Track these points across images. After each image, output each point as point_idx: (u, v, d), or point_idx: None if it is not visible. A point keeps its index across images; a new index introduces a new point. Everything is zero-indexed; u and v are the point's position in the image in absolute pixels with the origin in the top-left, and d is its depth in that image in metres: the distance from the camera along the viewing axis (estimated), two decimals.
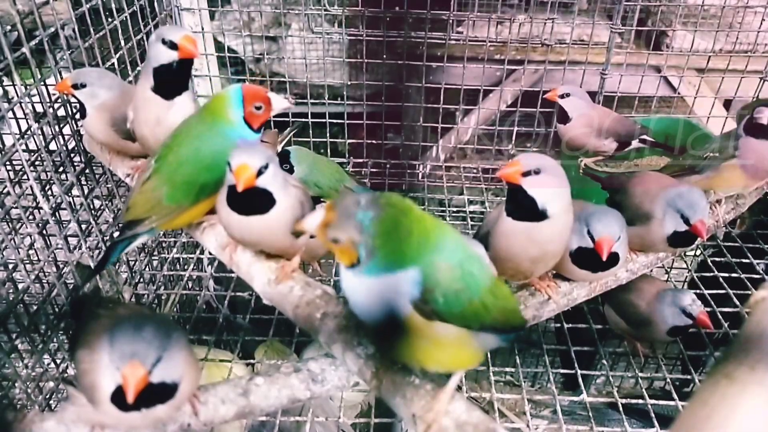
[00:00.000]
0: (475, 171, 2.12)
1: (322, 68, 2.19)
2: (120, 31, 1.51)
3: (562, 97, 1.62)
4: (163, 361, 0.74)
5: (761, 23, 1.87)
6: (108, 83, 1.26)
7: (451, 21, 1.89)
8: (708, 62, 1.90)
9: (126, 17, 1.55)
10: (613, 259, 1.14)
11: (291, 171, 1.52)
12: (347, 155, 2.07)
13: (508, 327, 0.82)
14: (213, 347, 1.45)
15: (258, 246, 1.03)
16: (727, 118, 1.99)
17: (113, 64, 1.50)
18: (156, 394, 0.77)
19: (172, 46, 1.10)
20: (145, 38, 1.65)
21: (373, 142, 2.06)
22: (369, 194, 0.73)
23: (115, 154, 1.35)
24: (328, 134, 1.99)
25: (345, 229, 0.70)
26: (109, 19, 1.48)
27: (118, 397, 0.75)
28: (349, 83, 1.96)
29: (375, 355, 0.84)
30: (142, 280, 1.66)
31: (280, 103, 1.08)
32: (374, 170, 2.05)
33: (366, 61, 1.92)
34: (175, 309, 1.72)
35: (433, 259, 0.72)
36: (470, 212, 1.90)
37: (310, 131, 1.99)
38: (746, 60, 1.86)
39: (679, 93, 2.18)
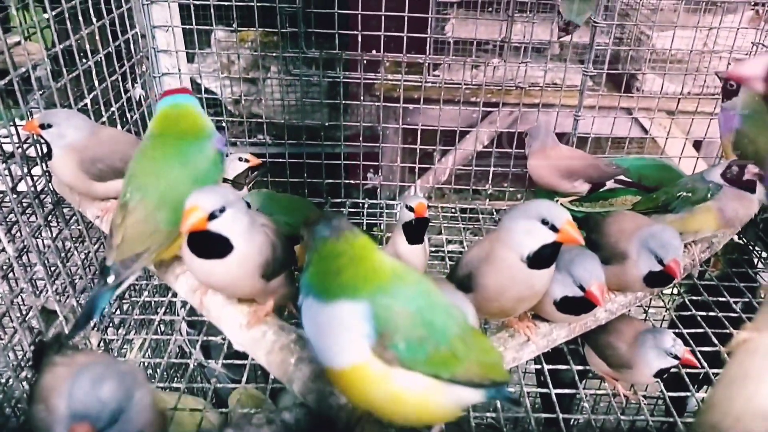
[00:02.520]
0: (453, 211, 2.12)
1: (300, 110, 2.20)
2: (94, 72, 1.50)
3: (526, 135, 1.66)
4: (120, 421, 0.70)
5: (727, 67, 1.93)
6: (76, 124, 1.24)
7: (426, 64, 1.91)
8: (678, 104, 1.95)
9: (101, 58, 1.54)
10: None
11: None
12: (325, 195, 2.06)
13: (488, 381, 0.78)
14: (186, 394, 1.39)
15: (224, 291, 1.00)
16: (698, 158, 2.03)
17: (86, 104, 1.48)
18: None
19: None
20: (120, 79, 1.64)
21: (351, 182, 2.05)
22: (343, 221, 0.72)
23: (84, 196, 1.31)
24: (305, 174, 1.98)
25: (309, 232, 0.74)
26: (84, 60, 1.47)
27: None
28: (326, 124, 1.96)
29: (347, 406, 0.81)
30: (111, 324, 1.61)
31: None
32: (352, 210, 2.03)
33: (343, 102, 1.93)
34: (145, 354, 1.66)
35: (387, 302, 0.70)
36: (448, 252, 1.89)
37: (287, 172, 1.98)
38: (714, 103, 1.91)
39: (650, 134, 2.23)
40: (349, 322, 0.70)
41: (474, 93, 2.03)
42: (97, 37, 1.51)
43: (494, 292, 1.05)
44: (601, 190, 1.74)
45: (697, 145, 2.25)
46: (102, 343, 1.52)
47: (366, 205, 2.05)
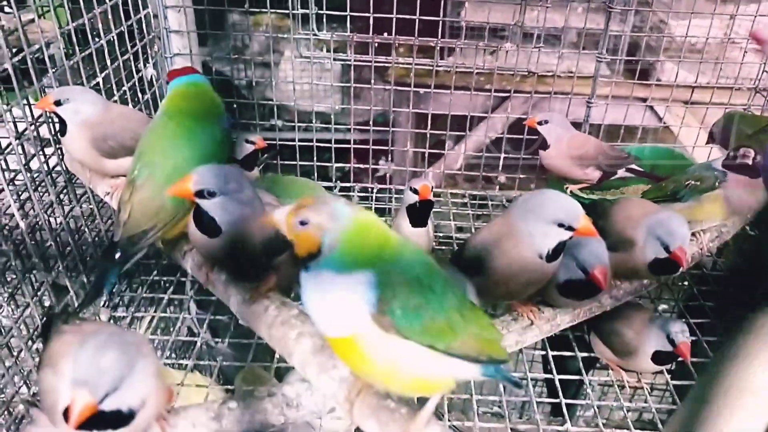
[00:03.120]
0: (464, 198, 2.11)
1: (313, 95, 2.20)
2: (106, 52, 1.51)
3: (540, 123, 1.64)
4: (120, 389, 0.71)
5: (743, 57, 1.90)
6: (91, 100, 1.26)
7: (438, 48, 1.90)
8: (692, 94, 1.92)
9: (113, 37, 1.55)
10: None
11: None
12: (334, 180, 2.06)
13: (485, 357, 0.78)
14: (193, 371, 1.41)
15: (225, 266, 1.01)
16: (712, 148, 2.00)
17: (98, 83, 1.49)
18: (109, 420, 0.74)
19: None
20: (132, 59, 1.65)
21: (360, 167, 2.05)
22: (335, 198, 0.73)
23: (95, 173, 1.33)
24: (314, 159, 1.98)
25: (318, 212, 0.71)
26: (96, 39, 1.48)
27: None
28: (339, 108, 1.97)
29: (348, 378, 0.82)
30: (121, 302, 1.63)
31: None
32: (361, 194, 2.03)
33: (354, 85, 1.93)
34: (154, 332, 1.68)
35: (389, 268, 0.71)
36: (457, 239, 1.89)
37: (297, 155, 1.98)
38: (729, 93, 1.88)
39: (663, 122, 2.20)
40: (353, 290, 0.71)
41: (488, 80, 2.01)
42: (110, 17, 1.51)
43: (505, 277, 1.06)
44: (613, 178, 1.72)
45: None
46: (111, 321, 1.54)
47: (375, 190, 2.04)
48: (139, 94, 1.71)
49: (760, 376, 0.59)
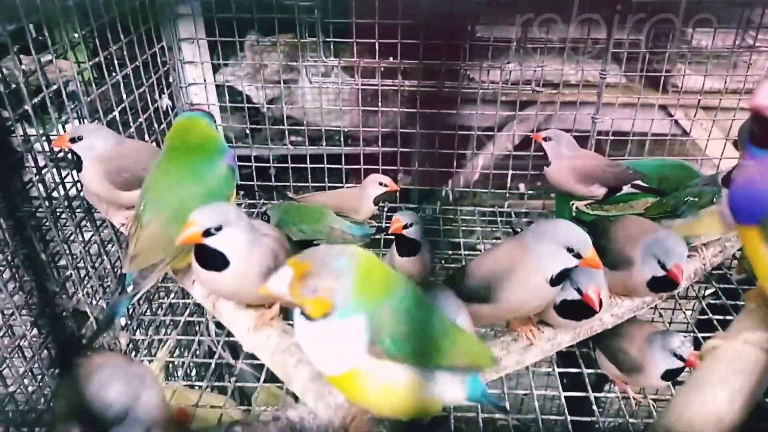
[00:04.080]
0: (483, 212, 2.12)
1: (332, 112, 2.25)
2: (122, 85, 1.58)
3: (545, 140, 1.66)
4: (127, 420, 0.76)
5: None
6: (103, 136, 1.32)
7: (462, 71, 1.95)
8: (720, 102, 1.93)
9: (129, 72, 1.62)
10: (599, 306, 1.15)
11: (268, 221, 1.57)
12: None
13: (475, 367, 0.83)
14: (210, 392, 1.47)
15: (229, 298, 1.06)
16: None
17: (115, 116, 1.56)
18: None
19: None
20: (147, 91, 1.72)
21: None
22: (336, 246, 0.76)
23: (111, 205, 1.39)
24: (343, 178, 2.04)
25: (323, 277, 0.73)
26: (113, 74, 1.56)
27: None
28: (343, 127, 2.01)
29: (344, 405, 0.86)
30: (141, 325, 1.69)
31: None
32: (389, 214, 2.05)
33: (362, 108, 1.98)
34: (173, 354, 1.74)
35: (382, 303, 0.75)
36: (466, 255, 1.91)
37: (326, 175, 2.03)
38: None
39: (689, 135, 2.18)
40: (349, 334, 0.74)
41: (504, 93, 2.02)
42: (124, 52, 1.59)
43: (515, 305, 1.09)
44: (619, 194, 1.73)
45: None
46: (131, 344, 1.60)
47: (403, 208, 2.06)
48: (155, 124, 1.78)
49: None
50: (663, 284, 1.19)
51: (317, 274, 0.73)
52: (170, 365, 1.73)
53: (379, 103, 1.96)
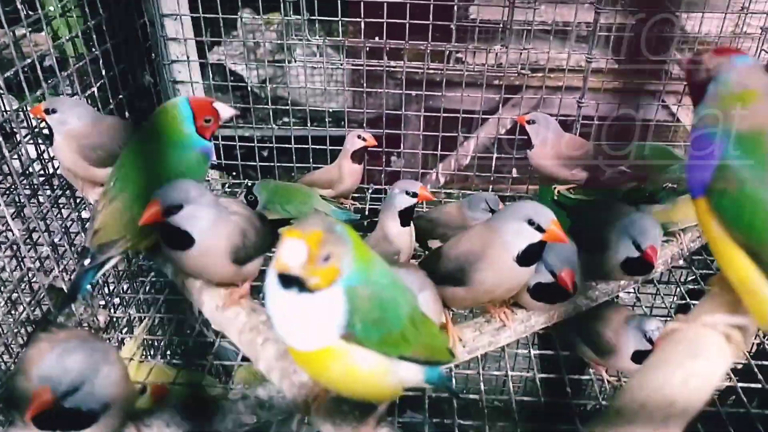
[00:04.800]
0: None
1: (324, 93, 2.23)
2: (101, 61, 1.56)
3: (528, 123, 1.65)
4: (81, 390, 0.76)
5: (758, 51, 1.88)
6: (78, 112, 1.30)
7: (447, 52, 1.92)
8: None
9: (108, 47, 1.60)
10: (573, 288, 1.15)
11: (256, 202, 1.56)
12: (366, 182, 2.07)
13: (433, 360, 0.83)
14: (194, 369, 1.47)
15: (198, 276, 1.06)
16: None
17: (93, 92, 1.55)
18: (70, 420, 0.78)
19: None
20: (128, 67, 1.70)
21: (374, 168, 2.07)
22: (321, 214, 0.75)
23: (86, 181, 1.38)
24: (328, 159, 2.00)
25: (334, 243, 0.70)
26: (93, 50, 1.54)
27: (38, 419, 0.78)
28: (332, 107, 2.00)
29: (307, 383, 0.86)
30: (123, 303, 1.69)
31: (227, 112, 1.15)
32: (374, 196, 2.05)
33: (347, 89, 1.97)
34: (154, 332, 1.74)
35: (358, 284, 0.73)
36: None
37: (310, 156, 2.01)
38: None
39: (680, 121, 2.17)
40: (327, 310, 0.72)
41: (497, 76, 2.00)
42: (104, 27, 1.57)
43: (489, 287, 1.09)
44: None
45: None
46: (110, 321, 1.60)
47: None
48: (136, 101, 1.76)
49: None
50: (637, 266, 1.19)
51: (329, 240, 0.69)
52: (151, 342, 1.73)
53: (364, 84, 1.94)
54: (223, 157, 2.06)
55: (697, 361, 0.66)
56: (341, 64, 1.94)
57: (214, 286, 1.06)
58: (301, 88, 2.01)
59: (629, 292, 1.82)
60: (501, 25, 1.90)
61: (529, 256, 1.05)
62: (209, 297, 1.05)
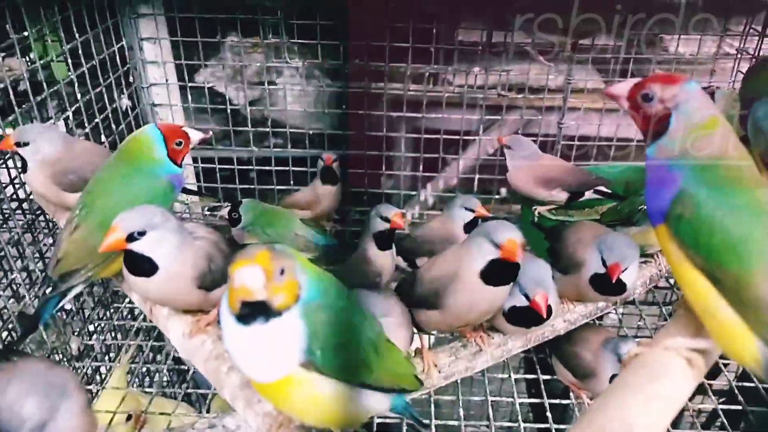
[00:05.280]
0: None
1: (308, 115, 2.22)
2: (76, 85, 1.56)
3: (505, 147, 1.66)
4: (46, 427, 0.74)
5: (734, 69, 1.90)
6: (49, 137, 1.29)
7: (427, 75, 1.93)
8: None
9: (85, 71, 1.59)
10: (548, 312, 1.14)
11: (239, 220, 1.55)
12: (353, 203, 2.06)
13: (397, 387, 0.81)
14: (162, 397, 1.45)
15: (163, 304, 1.04)
16: None
17: (68, 117, 1.53)
18: None
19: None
20: (105, 91, 1.69)
21: (359, 189, 2.07)
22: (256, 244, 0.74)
23: (58, 207, 1.37)
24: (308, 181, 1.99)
25: (283, 257, 0.69)
26: (69, 72, 1.53)
27: None
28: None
29: (272, 413, 0.84)
30: (97, 330, 1.66)
31: (196, 135, 1.16)
32: (356, 219, 2.03)
33: (327, 111, 1.97)
34: (131, 360, 1.71)
35: (317, 309, 0.72)
36: None
37: (291, 179, 2.00)
38: None
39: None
40: (286, 339, 0.71)
41: (481, 97, 2.00)
42: (80, 51, 1.56)
43: (462, 310, 1.07)
44: (583, 199, 1.73)
45: None
46: (83, 348, 1.57)
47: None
48: (113, 125, 1.75)
49: None
50: (606, 284, 1.18)
51: (277, 256, 0.69)
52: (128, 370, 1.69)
53: (345, 106, 1.95)
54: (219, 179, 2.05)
55: (657, 384, 0.65)
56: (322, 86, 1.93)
57: (182, 313, 1.04)
58: (292, 110, 2.02)
59: (613, 313, 1.80)
60: (480, 47, 1.91)
61: (495, 274, 1.03)
62: (176, 324, 1.02)
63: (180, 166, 1.15)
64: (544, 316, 1.10)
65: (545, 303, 1.08)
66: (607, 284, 1.16)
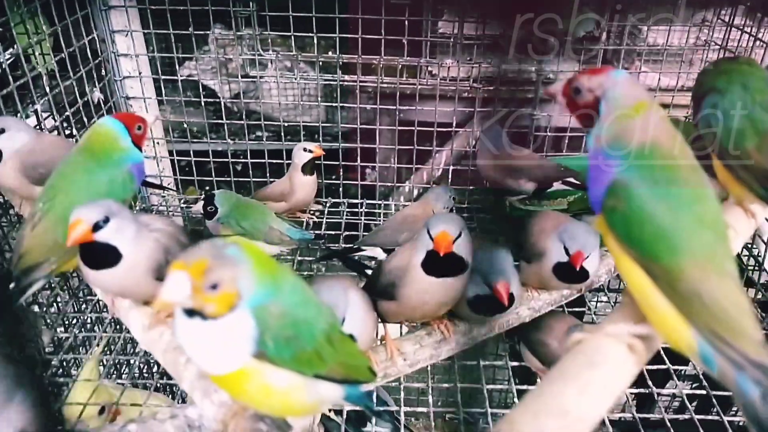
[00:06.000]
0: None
1: (298, 107, 2.20)
2: (44, 78, 1.55)
3: (479, 137, 1.67)
4: None
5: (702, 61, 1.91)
6: (24, 128, 1.30)
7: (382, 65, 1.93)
8: (672, 100, 1.95)
9: (54, 64, 1.58)
10: (510, 300, 1.16)
11: (215, 212, 1.56)
12: (324, 195, 2.07)
13: (351, 379, 0.82)
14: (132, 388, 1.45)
15: (124, 296, 1.04)
16: None
17: (36, 110, 1.53)
18: None
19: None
20: (75, 84, 1.68)
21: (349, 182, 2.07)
22: (217, 239, 0.74)
23: (25, 199, 1.36)
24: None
25: (223, 268, 0.68)
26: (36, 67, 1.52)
27: None
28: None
29: (227, 402, 0.85)
30: (66, 323, 1.66)
31: (150, 116, 1.20)
32: (350, 210, 2.04)
33: (302, 103, 1.97)
34: (105, 351, 1.71)
35: (268, 301, 0.72)
36: None
37: (284, 170, 1.96)
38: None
39: None
40: (233, 334, 0.71)
41: (470, 90, 2.01)
42: (48, 44, 1.55)
43: (414, 302, 1.09)
44: (553, 190, 1.75)
45: None
46: (55, 341, 1.57)
47: (364, 206, 2.05)
48: (85, 119, 1.74)
49: None
50: (569, 272, 1.20)
51: (215, 267, 0.68)
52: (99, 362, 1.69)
53: (309, 98, 1.95)
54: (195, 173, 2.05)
55: (594, 370, 0.66)
56: (301, 77, 1.93)
57: (142, 304, 1.05)
58: (274, 102, 2.01)
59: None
60: (452, 39, 1.92)
61: (433, 266, 1.04)
62: (136, 316, 1.03)
63: (142, 150, 1.17)
64: (506, 305, 1.12)
65: (507, 291, 1.10)
66: (571, 272, 1.18)
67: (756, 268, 1.60)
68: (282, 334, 0.73)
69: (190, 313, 0.70)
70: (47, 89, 1.54)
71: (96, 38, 1.81)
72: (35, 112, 1.54)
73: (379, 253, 1.59)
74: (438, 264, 1.03)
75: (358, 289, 1.08)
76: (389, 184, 2.13)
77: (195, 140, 2.04)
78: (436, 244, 0.99)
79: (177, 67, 2.11)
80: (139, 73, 1.94)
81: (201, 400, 0.88)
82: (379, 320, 1.18)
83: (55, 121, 1.61)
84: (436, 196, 1.59)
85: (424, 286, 1.05)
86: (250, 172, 2.02)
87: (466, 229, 1.04)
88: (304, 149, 1.77)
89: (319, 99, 2.13)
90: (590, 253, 1.16)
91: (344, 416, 1.32)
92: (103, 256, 0.94)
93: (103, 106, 1.86)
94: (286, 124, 1.99)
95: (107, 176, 1.07)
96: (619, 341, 0.70)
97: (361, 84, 1.91)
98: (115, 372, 1.82)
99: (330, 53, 1.86)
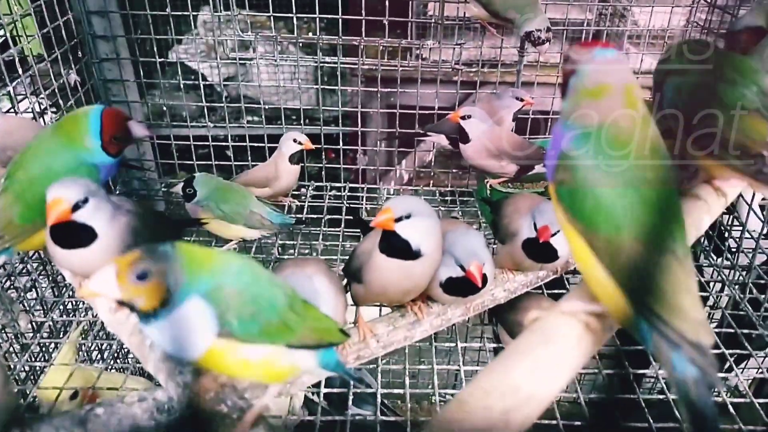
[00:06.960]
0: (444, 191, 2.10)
1: (289, 91, 2.18)
2: (17, 60, 1.52)
3: (463, 118, 1.65)
4: None
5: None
6: None
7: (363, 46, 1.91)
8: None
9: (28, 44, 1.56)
10: (483, 281, 1.15)
11: (194, 195, 1.55)
12: (307, 179, 2.06)
13: (324, 343, 0.84)
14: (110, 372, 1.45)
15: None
16: None
17: (9, 92, 1.51)
18: None
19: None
20: (50, 66, 1.66)
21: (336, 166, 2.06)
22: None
23: None
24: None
25: (152, 261, 0.71)
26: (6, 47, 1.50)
27: None
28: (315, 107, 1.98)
29: (190, 384, 0.85)
30: (45, 307, 1.65)
31: (139, 132, 1.12)
32: (332, 193, 2.03)
33: (283, 85, 1.96)
34: (84, 336, 1.71)
35: (218, 283, 0.74)
36: None
37: (266, 154, 1.95)
38: None
39: None
40: (192, 320, 0.73)
41: (456, 72, 1.99)
42: (21, 24, 1.53)
43: (376, 285, 1.09)
44: (531, 173, 1.74)
45: None
46: (31, 324, 1.56)
47: (346, 189, 2.04)
48: (61, 101, 1.72)
49: None
50: (539, 250, 1.19)
51: (143, 259, 0.71)
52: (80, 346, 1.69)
53: (300, 81, 1.93)
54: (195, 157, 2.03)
55: (548, 348, 0.66)
56: (296, 60, 1.91)
57: None
58: (262, 85, 2.00)
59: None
60: (433, 21, 1.90)
61: (387, 247, 1.03)
62: (102, 299, 1.02)
63: (116, 156, 1.12)
64: (479, 286, 1.11)
65: (480, 273, 1.10)
66: (539, 249, 1.18)
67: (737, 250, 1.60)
68: (244, 311, 0.75)
69: (145, 318, 0.73)
70: (35, 70, 1.51)
71: (71, 19, 1.78)
72: (8, 94, 1.52)
73: None
74: (390, 245, 1.02)
75: (326, 273, 1.07)
76: (380, 168, 2.10)
77: (175, 124, 2.01)
78: (375, 221, 0.99)
79: (159, 50, 2.08)
80: (117, 56, 1.92)
81: (165, 381, 0.88)
82: (353, 303, 1.18)
83: (40, 105, 1.59)
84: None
85: (383, 269, 1.04)
86: (232, 156, 2.01)
87: (424, 213, 1.02)
88: (294, 140, 1.75)
89: (311, 82, 2.10)
90: (559, 229, 1.16)
91: (321, 398, 1.32)
92: (77, 235, 0.94)
93: (80, 88, 1.84)
94: (267, 107, 1.98)
95: (68, 165, 1.05)
96: (575, 319, 0.69)
97: (355, 67, 1.88)
98: (99, 356, 1.82)
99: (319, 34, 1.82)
